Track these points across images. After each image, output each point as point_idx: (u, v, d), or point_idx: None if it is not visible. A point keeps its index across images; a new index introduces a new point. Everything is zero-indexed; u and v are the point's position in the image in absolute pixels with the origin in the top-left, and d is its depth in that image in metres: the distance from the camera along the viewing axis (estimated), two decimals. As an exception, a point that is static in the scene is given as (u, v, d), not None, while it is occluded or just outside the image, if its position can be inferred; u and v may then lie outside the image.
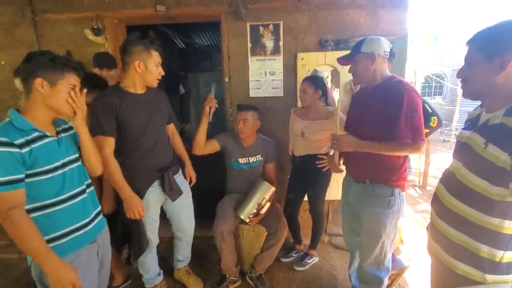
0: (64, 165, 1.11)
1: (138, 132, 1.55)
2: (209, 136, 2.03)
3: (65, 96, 1.09)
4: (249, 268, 2.07)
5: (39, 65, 1.04)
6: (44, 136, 1.06)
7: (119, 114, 1.48)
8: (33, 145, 1.01)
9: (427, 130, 1.69)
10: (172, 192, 1.70)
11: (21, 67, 1.07)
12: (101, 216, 1.30)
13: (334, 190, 2.30)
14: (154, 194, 1.67)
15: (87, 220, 1.19)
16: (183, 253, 2.02)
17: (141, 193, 1.61)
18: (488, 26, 0.89)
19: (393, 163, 1.43)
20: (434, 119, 1.66)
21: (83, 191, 1.19)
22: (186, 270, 2.06)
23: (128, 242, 2.33)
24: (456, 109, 7.06)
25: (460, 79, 0.98)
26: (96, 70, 2.04)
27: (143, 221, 1.65)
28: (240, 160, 2.08)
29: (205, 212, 2.12)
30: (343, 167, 1.73)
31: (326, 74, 3.02)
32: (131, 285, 2.08)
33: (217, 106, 1.90)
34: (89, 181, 1.25)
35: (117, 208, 2.20)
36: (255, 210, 1.93)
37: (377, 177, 1.46)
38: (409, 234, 2.72)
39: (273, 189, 1.97)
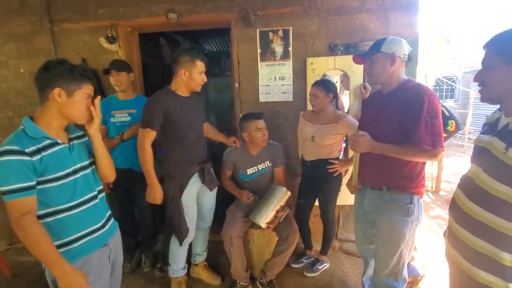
0: (75, 172, 1.14)
1: (184, 129, 1.75)
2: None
3: (80, 105, 1.12)
4: (259, 273, 2.06)
5: (58, 76, 1.06)
6: (55, 144, 1.09)
7: (169, 112, 1.68)
8: (44, 153, 1.03)
9: (444, 135, 1.64)
10: (211, 183, 1.92)
11: (38, 76, 1.09)
12: (112, 220, 1.32)
13: (345, 195, 2.26)
14: (194, 184, 1.86)
15: (99, 225, 1.21)
16: (202, 246, 2.14)
17: (183, 184, 1.80)
18: (505, 29, 0.88)
19: (412, 169, 1.39)
20: (452, 123, 1.62)
21: (94, 197, 1.21)
22: (204, 265, 2.16)
23: (139, 246, 2.40)
24: (469, 112, 6.90)
25: (477, 83, 0.96)
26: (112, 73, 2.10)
27: (184, 210, 1.82)
28: (248, 171, 2.06)
29: (215, 216, 2.13)
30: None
31: (335, 78, 3.01)
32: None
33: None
34: (101, 186, 1.27)
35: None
36: (272, 217, 1.89)
37: (396, 184, 1.42)
38: (423, 240, 2.66)
39: (289, 193, 1.93)
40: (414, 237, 1.47)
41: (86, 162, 1.21)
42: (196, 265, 2.15)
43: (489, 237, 0.89)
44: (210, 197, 2.01)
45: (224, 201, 2.19)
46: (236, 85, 2.41)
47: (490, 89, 0.92)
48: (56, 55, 2.45)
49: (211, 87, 4.77)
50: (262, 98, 2.40)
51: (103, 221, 1.24)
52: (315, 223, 2.42)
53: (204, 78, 1.74)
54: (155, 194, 1.75)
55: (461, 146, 7.10)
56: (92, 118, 1.18)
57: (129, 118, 2.15)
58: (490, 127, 0.98)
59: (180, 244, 1.89)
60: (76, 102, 1.10)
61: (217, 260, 2.33)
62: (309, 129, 2.05)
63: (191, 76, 1.69)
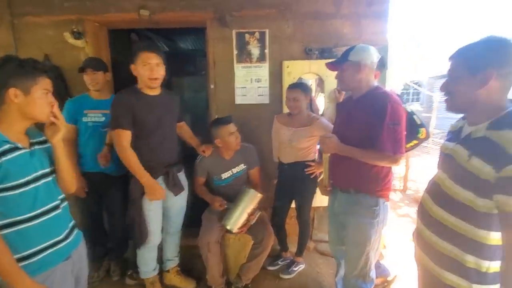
0: (36, 179, 1.05)
1: (150, 129, 1.68)
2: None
3: (41, 102, 1.04)
4: (235, 278, 2.04)
5: (9, 74, 0.97)
6: (16, 148, 1.00)
7: (134, 111, 1.61)
8: (3, 158, 0.95)
9: (415, 142, 1.73)
10: (175, 188, 1.83)
11: None
12: (76, 231, 1.23)
13: (319, 196, 2.31)
14: None
15: (61, 236, 1.12)
16: (173, 250, 2.07)
17: None
18: (471, 42, 0.92)
19: (378, 173, 1.43)
20: (423, 131, 1.69)
21: (57, 207, 1.12)
22: (177, 271, 2.09)
23: (107, 254, 2.28)
24: (433, 115, 7.37)
25: (443, 93, 1.00)
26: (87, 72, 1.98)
27: (144, 212, 1.76)
28: (223, 175, 2.03)
29: (189, 221, 2.07)
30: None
31: (310, 81, 3.07)
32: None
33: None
34: (63, 195, 1.19)
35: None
36: (243, 220, 1.86)
37: (361, 186, 1.46)
38: (392, 238, 2.78)
39: (260, 195, 1.91)
40: (380, 239, 1.52)
41: (48, 170, 1.11)
42: (168, 271, 2.08)
43: (454, 240, 0.94)
44: (177, 201, 1.93)
45: (195, 206, 2.13)
46: (212, 86, 2.37)
47: (456, 99, 0.96)
48: (17, 50, 2.25)
49: (186, 86, 4.65)
50: (238, 100, 2.38)
51: (66, 232, 1.15)
52: (291, 225, 2.44)
53: (153, 70, 1.58)
54: (155, 191, 1.68)
55: (426, 147, 7.58)
56: (54, 125, 1.08)
57: (103, 118, 2.03)
58: (454, 135, 1.03)
59: (138, 248, 1.84)
60: (36, 100, 1.02)
61: (191, 265, 2.27)
62: (285, 132, 2.06)
63: (138, 71, 1.60)
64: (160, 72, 1.63)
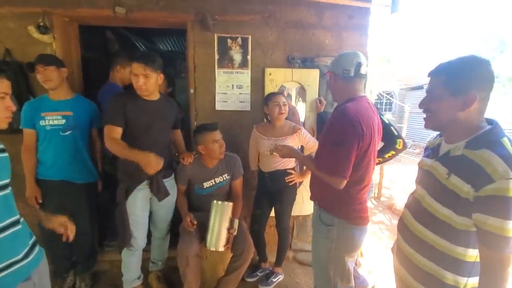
0: None
1: (137, 133, 1.69)
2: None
3: None
4: (212, 292, 1.95)
5: None
6: None
7: (127, 112, 1.65)
8: None
9: (393, 152, 1.76)
10: (159, 193, 1.81)
11: None
12: (37, 248, 1.10)
13: (299, 205, 2.30)
14: (142, 193, 1.79)
15: (20, 256, 1.00)
16: (157, 254, 2.09)
17: (130, 189, 1.75)
18: (453, 59, 0.91)
19: (339, 192, 1.27)
20: (400, 142, 1.73)
21: (16, 222, 1.00)
22: (157, 276, 2.10)
23: (72, 268, 2.09)
24: (404, 125, 7.76)
25: (422, 110, 1.00)
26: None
27: (127, 215, 1.76)
28: (205, 184, 1.95)
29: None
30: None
31: (292, 89, 3.07)
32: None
33: None
34: (17, 214, 1.05)
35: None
36: (225, 236, 1.80)
37: (323, 202, 1.40)
38: (368, 246, 2.83)
39: (231, 204, 1.84)
40: (342, 264, 1.35)
41: (6, 181, 0.99)
42: (151, 272, 2.11)
43: (433, 257, 0.95)
44: (162, 206, 1.91)
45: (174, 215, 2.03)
46: (192, 90, 2.28)
47: (435, 118, 0.96)
48: (-29, 42, 2.02)
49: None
50: (218, 106, 2.31)
51: (26, 250, 1.03)
52: (270, 234, 2.40)
53: (138, 82, 1.63)
54: (150, 162, 1.50)
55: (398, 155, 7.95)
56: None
57: (63, 121, 1.86)
58: (432, 152, 1.04)
59: (120, 251, 1.84)
60: None
61: (173, 273, 2.15)
62: (265, 143, 2.03)
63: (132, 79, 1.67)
64: (147, 83, 1.64)
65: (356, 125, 1.19)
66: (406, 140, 1.81)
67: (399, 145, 1.74)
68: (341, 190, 1.26)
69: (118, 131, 1.64)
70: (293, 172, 2.06)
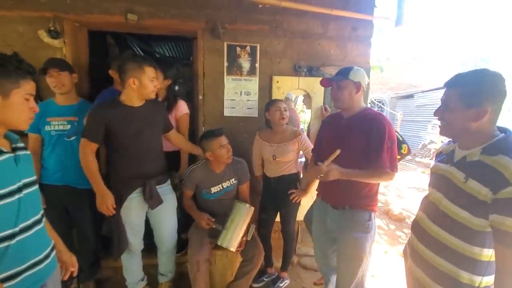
0: (20, 189, 0.92)
1: (127, 142, 1.66)
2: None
3: (20, 109, 0.93)
4: (221, 297, 1.96)
5: None
6: (0, 152, 0.88)
7: (110, 125, 1.60)
8: None
9: (399, 157, 1.84)
10: (152, 200, 1.75)
11: None
12: (54, 252, 1.09)
13: (303, 210, 2.34)
14: (136, 200, 1.75)
15: (41, 256, 0.99)
16: (163, 267, 2.03)
17: (123, 197, 1.71)
18: (468, 72, 0.99)
19: (371, 189, 1.52)
20: (405, 147, 1.81)
21: (39, 221, 1.00)
22: (169, 286, 2.05)
23: (76, 275, 2.05)
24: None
25: (437, 118, 1.07)
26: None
27: (123, 223, 1.74)
28: (212, 189, 1.97)
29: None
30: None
31: (293, 96, 3.14)
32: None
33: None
34: (43, 209, 1.07)
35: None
36: (240, 237, 1.81)
37: (358, 203, 1.51)
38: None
39: (252, 208, 1.87)
40: (371, 254, 1.59)
41: (33, 178, 0.99)
42: (161, 284, 2.05)
43: (450, 257, 1.00)
44: (165, 218, 1.88)
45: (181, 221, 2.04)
46: (200, 97, 2.31)
47: (449, 127, 1.03)
48: (-20, 44, 1.99)
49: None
50: (226, 112, 2.35)
51: (47, 251, 1.02)
52: (275, 239, 2.42)
53: (156, 84, 1.69)
54: (104, 201, 1.62)
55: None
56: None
57: (68, 126, 1.86)
58: (447, 157, 1.11)
59: (116, 258, 1.83)
60: (14, 105, 0.91)
61: (180, 280, 2.15)
62: (268, 149, 2.08)
63: (141, 84, 1.62)
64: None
65: (393, 128, 1.45)
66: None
67: (404, 150, 1.82)
68: (372, 187, 1.51)
69: (92, 146, 1.62)
70: (295, 192, 2.07)
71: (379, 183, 1.57)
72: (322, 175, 1.38)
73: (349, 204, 1.52)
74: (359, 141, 1.45)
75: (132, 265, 1.91)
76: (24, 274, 0.93)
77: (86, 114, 1.67)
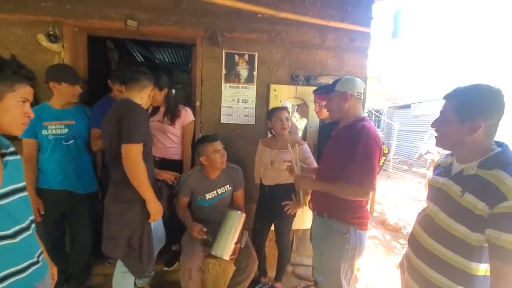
0: (7, 195, 0.91)
1: (150, 148, 1.63)
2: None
3: (14, 113, 0.91)
4: (213, 307, 1.92)
5: None
6: None
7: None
8: None
9: (384, 158, 1.85)
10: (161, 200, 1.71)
11: None
12: (42, 261, 1.06)
13: (299, 219, 2.32)
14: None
15: (28, 262, 0.97)
16: None
17: (144, 205, 1.59)
18: (467, 86, 0.99)
19: (349, 201, 1.41)
20: (385, 147, 1.81)
21: (27, 228, 0.98)
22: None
23: (66, 281, 2.01)
24: (393, 142, 8.01)
25: (434, 129, 1.08)
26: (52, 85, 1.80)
27: (151, 237, 1.65)
28: (207, 195, 1.96)
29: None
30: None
31: (289, 104, 3.16)
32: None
33: None
34: (33, 216, 1.04)
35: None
36: (233, 245, 1.79)
37: (334, 213, 1.47)
38: (364, 261, 2.87)
39: (244, 215, 1.85)
40: (353, 268, 1.49)
41: (21, 184, 0.98)
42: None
43: (446, 271, 0.99)
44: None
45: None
46: (198, 103, 2.32)
47: (445, 139, 1.04)
48: (-23, 46, 1.99)
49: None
50: (224, 119, 2.35)
51: (34, 258, 1.00)
52: (269, 248, 2.40)
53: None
54: (159, 211, 1.60)
55: (386, 171, 8.18)
56: None
57: (66, 130, 1.85)
58: (445, 170, 1.10)
59: (139, 277, 1.79)
60: (7, 108, 0.89)
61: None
62: (267, 154, 2.08)
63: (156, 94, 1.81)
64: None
65: (378, 141, 1.36)
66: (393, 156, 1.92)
67: (385, 150, 1.82)
68: (353, 200, 1.40)
69: (140, 148, 1.51)
70: (289, 203, 1.99)
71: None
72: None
73: (327, 212, 1.50)
74: (340, 153, 1.44)
75: (127, 285, 1.74)
76: (9, 280, 0.91)
77: (125, 116, 1.49)
